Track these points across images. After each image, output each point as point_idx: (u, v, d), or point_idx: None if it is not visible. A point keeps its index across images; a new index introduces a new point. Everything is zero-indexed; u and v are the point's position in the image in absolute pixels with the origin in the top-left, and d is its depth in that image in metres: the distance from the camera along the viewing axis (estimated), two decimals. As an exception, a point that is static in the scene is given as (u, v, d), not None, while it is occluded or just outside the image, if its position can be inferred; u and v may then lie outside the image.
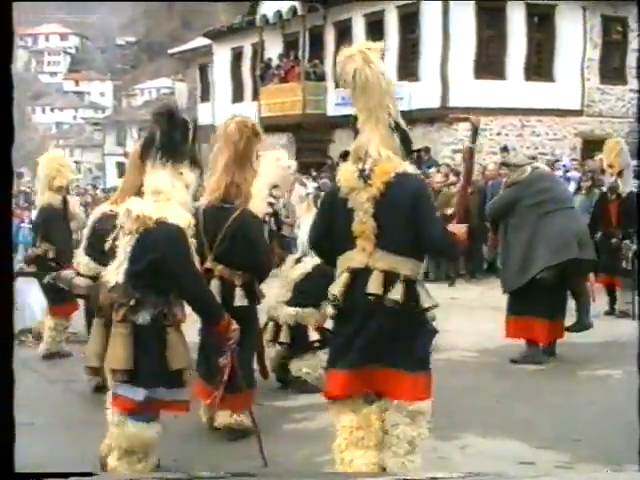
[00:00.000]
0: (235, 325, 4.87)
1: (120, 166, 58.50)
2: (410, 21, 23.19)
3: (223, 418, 5.70)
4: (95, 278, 6.98)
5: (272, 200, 7.32)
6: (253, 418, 5.24)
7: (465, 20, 22.07)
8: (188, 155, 4.80)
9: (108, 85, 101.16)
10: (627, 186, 10.25)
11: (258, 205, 6.15)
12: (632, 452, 5.16)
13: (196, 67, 36.40)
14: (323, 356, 6.79)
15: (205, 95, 34.34)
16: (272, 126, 25.38)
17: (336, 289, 4.35)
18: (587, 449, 5.34)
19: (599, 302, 10.61)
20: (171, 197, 4.70)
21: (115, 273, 4.68)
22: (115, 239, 4.81)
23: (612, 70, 24.45)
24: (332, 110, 25.54)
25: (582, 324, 8.17)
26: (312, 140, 25.49)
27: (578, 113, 23.91)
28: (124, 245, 4.68)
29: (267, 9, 27.09)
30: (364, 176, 4.29)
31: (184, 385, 4.73)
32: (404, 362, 4.28)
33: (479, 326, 9.62)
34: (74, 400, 7.18)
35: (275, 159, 6.91)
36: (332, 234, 4.44)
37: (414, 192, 4.28)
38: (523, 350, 8.05)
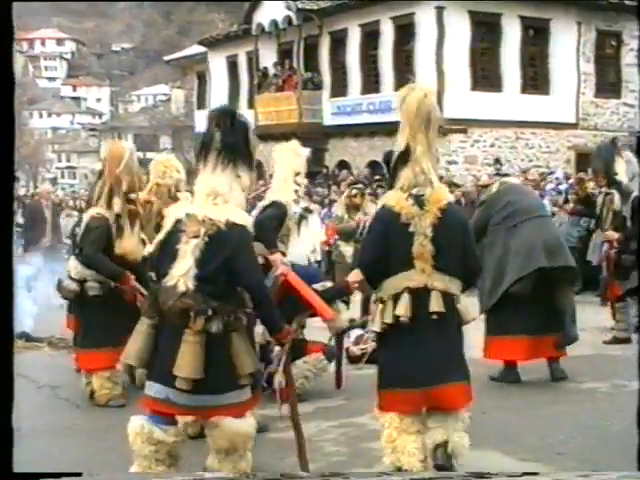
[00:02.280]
0: (291, 334, 4.97)
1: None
2: (405, 32, 23.30)
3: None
4: (81, 282, 7.07)
5: (297, 187, 7.43)
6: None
7: (460, 32, 22.20)
8: (248, 158, 4.82)
9: (105, 91, 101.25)
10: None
11: (287, 193, 6.79)
12: (616, 464, 5.21)
13: (193, 74, 36.50)
14: (303, 365, 6.82)
15: (202, 102, 34.43)
16: (268, 134, 25.44)
17: (401, 309, 4.73)
18: (571, 462, 5.36)
19: (592, 316, 10.66)
20: (228, 200, 4.68)
21: (184, 278, 4.54)
22: (170, 243, 4.68)
23: (607, 84, 24.62)
24: (328, 119, 25.63)
25: (567, 337, 7.89)
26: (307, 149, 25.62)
27: (573, 126, 24.03)
28: (192, 249, 4.56)
29: (263, 18, 27.19)
30: (420, 202, 4.77)
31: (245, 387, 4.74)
32: (459, 374, 4.87)
33: (467, 337, 9.59)
34: (60, 406, 7.19)
35: (292, 148, 7.26)
36: (387, 256, 4.81)
37: (462, 219, 5.02)
38: (501, 369, 7.83)
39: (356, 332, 8.75)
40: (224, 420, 4.60)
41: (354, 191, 11.49)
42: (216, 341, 4.54)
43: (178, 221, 4.70)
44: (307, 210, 7.50)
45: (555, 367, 7.83)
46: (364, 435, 5.95)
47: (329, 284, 6.93)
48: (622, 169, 9.32)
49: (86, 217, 7.13)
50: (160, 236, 4.82)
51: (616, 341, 9.40)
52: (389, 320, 4.79)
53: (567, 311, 7.85)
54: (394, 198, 4.86)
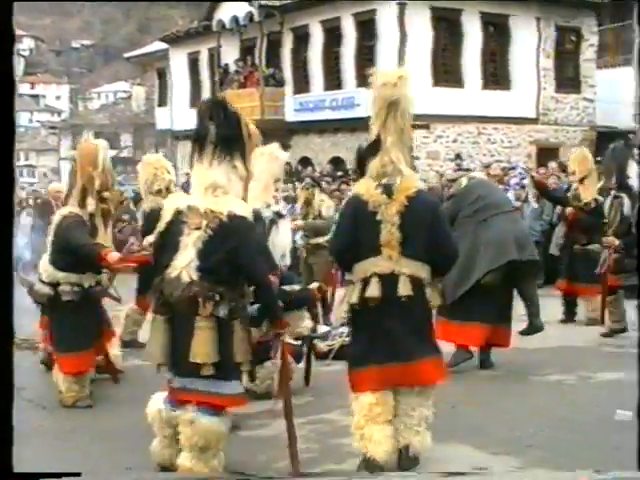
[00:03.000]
0: (288, 325, 5.19)
1: (76, 170, 57.89)
2: (367, 28, 23.31)
3: None
4: (54, 285, 6.88)
5: (275, 193, 7.38)
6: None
7: (421, 28, 22.27)
8: (244, 149, 4.91)
9: (64, 88, 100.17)
10: (589, 193, 10.31)
11: (267, 200, 6.59)
12: (585, 455, 5.26)
13: (154, 71, 36.25)
14: (271, 367, 6.79)
15: (163, 99, 34.24)
16: (229, 131, 25.39)
17: (370, 290, 4.84)
18: (541, 454, 5.39)
19: (555, 308, 10.75)
20: (228, 191, 4.81)
21: (186, 269, 4.66)
22: (172, 235, 4.76)
23: (566, 79, 24.82)
24: (291, 116, 25.58)
25: (534, 326, 8.14)
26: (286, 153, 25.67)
27: (534, 121, 24.23)
28: (194, 241, 4.68)
29: (224, 14, 27.06)
30: (388, 191, 4.86)
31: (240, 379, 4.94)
32: (426, 350, 4.96)
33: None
34: (26, 407, 7.09)
35: (271, 153, 6.93)
36: (357, 243, 4.92)
37: (433, 206, 5.03)
38: (454, 353, 7.88)
39: (323, 328, 8.75)
40: (200, 418, 4.67)
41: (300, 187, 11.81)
42: (223, 328, 4.68)
43: (179, 212, 4.78)
44: (278, 215, 7.45)
45: (486, 357, 8.08)
46: (334, 431, 5.94)
47: (297, 287, 6.98)
48: (634, 173, 9.36)
49: (57, 216, 6.98)
50: (160, 226, 4.87)
51: (613, 332, 9.45)
52: (355, 300, 4.91)
53: (533, 302, 8.04)
54: (363, 187, 4.97)
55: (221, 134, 4.78)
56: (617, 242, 8.95)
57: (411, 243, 4.85)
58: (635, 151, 10.09)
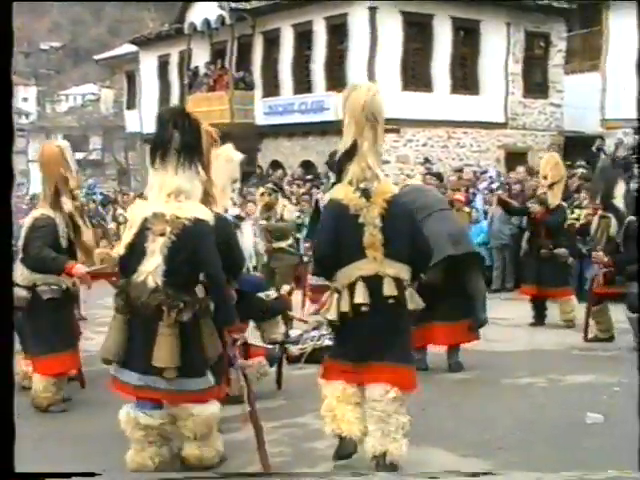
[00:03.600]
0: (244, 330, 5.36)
1: (44, 173, 57.35)
2: (338, 32, 23.34)
3: None
4: (31, 288, 6.80)
5: (232, 195, 7.35)
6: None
7: (392, 32, 22.30)
8: (202, 155, 5.15)
9: (32, 90, 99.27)
10: (556, 199, 10.46)
11: (225, 202, 6.55)
12: (555, 458, 5.31)
13: (123, 74, 36.06)
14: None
15: (132, 102, 34.06)
16: (200, 134, 25.27)
17: (359, 296, 4.95)
18: (511, 457, 5.43)
19: (524, 312, 10.85)
20: (191, 197, 5.01)
21: (152, 275, 4.88)
22: (139, 241, 4.93)
23: (534, 84, 25.01)
24: (260, 119, 25.56)
25: (478, 320, 8.16)
26: (240, 149, 25.26)
27: (502, 126, 24.39)
28: (160, 247, 4.88)
29: (195, 17, 26.97)
30: (367, 195, 4.99)
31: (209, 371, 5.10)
32: (405, 356, 5.08)
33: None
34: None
35: (226, 155, 6.87)
36: (339, 247, 5.02)
37: (409, 210, 5.30)
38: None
39: (295, 332, 8.78)
40: (197, 407, 4.98)
41: (262, 190, 11.80)
42: (188, 329, 4.91)
43: (145, 220, 4.95)
44: (239, 218, 7.47)
45: (453, 357, 8.19)
46: (307, 435, 5.95)
47: (273, 294, 7.02)
48: (620, 193, 9.37)
49: (28, 219, 6.90)
50: (128, 235, 5.03)
51: (597, 339, 9.46)
52: (346, 309, 5.00)
53: (477, 296, 8.14)
54: (342, 192, 5.08)
55: (185, 142, 4.96)
56: (606, 258, 8.94)
57: (393, 245, 5.00)
58: (622, 171, 10.13)
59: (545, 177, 10.65)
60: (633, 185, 12.63)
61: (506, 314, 10.97)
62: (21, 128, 72.20)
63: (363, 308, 4.96)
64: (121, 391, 5.10)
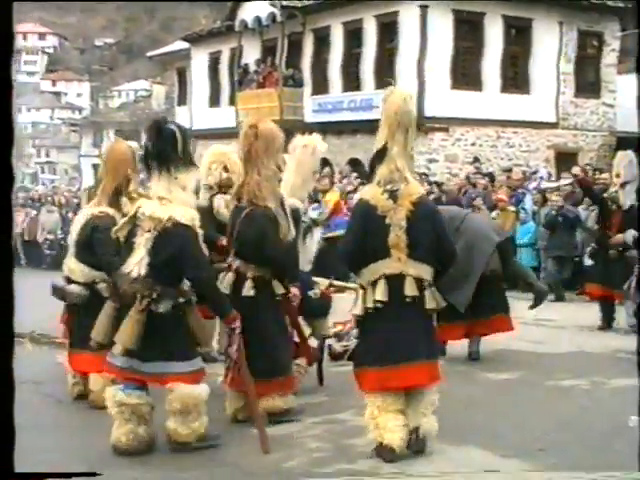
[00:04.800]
0: (238, 318, 5.57)
1: (96, 167, 58.10)
2: (388, 30, 23.30)
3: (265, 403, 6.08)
4: (88, 285, 6.73)
5: (309, 189, 7.45)
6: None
7: (443, 30, 22.22)
8: (181, 160, 5.44)
9: (85, 86, 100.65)
10: (628, 199, 10.02)
11: (303, 195, 6.89)
12: (595, 461, 5.27)
13: (174, 70, 36.37)
14: (295, 367, 6.87)
15: (182, 98, 34.33)
16: (249, 131, 25.37)
17: (379, 293, 5.15)
18: (552, 458, 5.40)
19: (569, 314, 10.73)
20: (172, 200, 5.40)
21: (137, 266, 5.34)
22: (131, 236, 5.43)
23: (587, 84, 24.72)
24: (309, 117, 25.61)
25: (537, 291, 8.72)
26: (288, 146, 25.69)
27: (553, 126, 24.14)
28: (144, 242, 5.36)
29: (246, 15, 27.13)
30: (394, 196, 5.16)
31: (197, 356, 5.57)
32: (430, 352, 5.28)
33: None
34: (43, 402, 7.17)
35: (314, 145, 6.97)
36: (365, 245, 5.22)
37: (434, 211, 5.39)
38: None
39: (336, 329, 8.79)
40: (177, 385, 5.35)
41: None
42: (164, 319, 5.34)
43: (135, 217, 5.47)
44: (315, 223, 7.60)
45: (475, 346, 8.44)
46: (346, 431, 5.96)
47: (318, 292, 7.10)
48: None
49: (85, 216, 6.81)
50: (123, 231, 5.57)
51: None
52: (370, 305, 5.21)
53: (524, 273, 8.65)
54: (370, 193, 5.30)
55: (155, 151, 5.45)
56: None
57: (417, 246, 5.16)
58: None
59: (618, 175, 10.22)
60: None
61: (552, 315, 10.87)
62: (74, 123, 73.29)
63: (379, 304, 5.14)
64: (110, 373, 5.62)
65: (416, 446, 5.26)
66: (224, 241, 6.66)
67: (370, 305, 5.21)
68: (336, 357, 8.24)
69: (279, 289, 6.14)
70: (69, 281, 6.87)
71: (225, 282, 6.07)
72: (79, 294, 6.75)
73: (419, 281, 5.18)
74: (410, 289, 5.15)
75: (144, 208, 5.44)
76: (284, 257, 6.10)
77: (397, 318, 5.17)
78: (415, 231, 5.15)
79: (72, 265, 6.83)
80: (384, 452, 5.18)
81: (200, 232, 5.49)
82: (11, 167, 3.95)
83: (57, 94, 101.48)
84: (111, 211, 6.70)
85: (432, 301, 5.25)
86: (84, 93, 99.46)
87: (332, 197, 13.58)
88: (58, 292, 6.97)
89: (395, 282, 5.16)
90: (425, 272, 5.21)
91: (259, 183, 6.04)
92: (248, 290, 6.04)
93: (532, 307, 8.53)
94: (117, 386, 5.51)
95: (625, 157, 10.36)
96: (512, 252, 8.50)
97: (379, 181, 5.25)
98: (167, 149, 5.41)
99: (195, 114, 31.52)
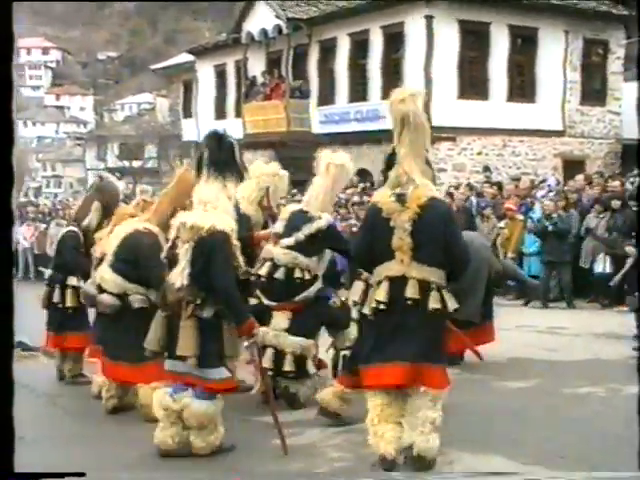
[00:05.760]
0: (257, 326, 5.71)
1: (101, 181, 58.14)
2: (394, 41, 23.35)
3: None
4: (120, 296, 6.76)
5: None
6: None
7: (449, 40, 22.26)
8: (234, 171, 5.74)
9: (89, 100, 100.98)
10: None
11: (329, 209, 7.23)
12: (617, 467, 5.27)
13: (179, 83, 36.49)
14: (316, 378, 6.93)
15: (188, 111, 34.42)
16: (255, 143, 25.45)
17: (380, 294, 5.16)
18: (573, 465, 5.40)
19: (582, 322, 10.72)
20: (216, 206, 5.62)
21: (180, 276, 5.55)
22: (173, 248, 5.69)
23: (592, 91, 24.75)
24: (316, 128, 25.66)
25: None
26: (296, 157, 25.58)
27: (560, 134, 24.16)
28: (184, 252, 5.58)
29: (252, 27, 27.22)
30: (401, 200, 5.15)
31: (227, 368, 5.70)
32: (432, 356, 5.14)
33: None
34: (59, 415, 7.19)
35: (346, 164, 7.16)
36: (373, 247, 5.27)
37: (444, 214, 5.23)
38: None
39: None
40: (194, 402, 5.56)
41: None
42: (207, 325, 5.54)
43: (177, 229, 5.71)
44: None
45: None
46: (366, 440, 5.94)
47: (338, 300, 7.17)
48: None
49: (129, 229, 6.84)
50: (167, 244, 5.88)
51: None
52: (373, 304, 5.23)
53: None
54: (379, 196, 5.36)
55: (212, 158, 5.70)
56: None
57: (422, 249, 5.12)
58: None
59: None
60: None
61: (565, 323, 10.88)
62: (79, 137, 73.49)
63: (382, 306, 5.15)
64: (164, 378, 5.88)
65: (412, 463, 5.11)
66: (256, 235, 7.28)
67: (374, 304, 5.21)
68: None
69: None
70: (100, 290, 6.92)
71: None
72: (112, 304, 6.79)
73: (425, 283, 5.12)
74: (411, 291, 5.10)
75: (185, 219, 5.66)
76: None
77: (397, 319, 5.14)
78: (421, 234, 5.09)
79: (106, 275, 6.86)
80: (382, 461, 5.14)
81: (237, 243, 5.66)
82: (11, 167, 3.95)
83: (61, 108, 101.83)
84: (156, 229, 6.75)
85: (436, 302, 5.11)
86: (88, 107, 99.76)
87: None
88: (89, 299, 7.17)
89: (398, 284, 5.14)
90: (432, 274, 5.14)
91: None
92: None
93: (527, 303, 8.61)
94: (165, 389, 5.75)
95: None
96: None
97: (389, 184, 5.28)
98: (224, 157, 5.71)
99: (202, 126, 31.58)
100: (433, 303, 5.10)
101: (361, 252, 5.50)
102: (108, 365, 6.94)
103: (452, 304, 5.21)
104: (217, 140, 5.75)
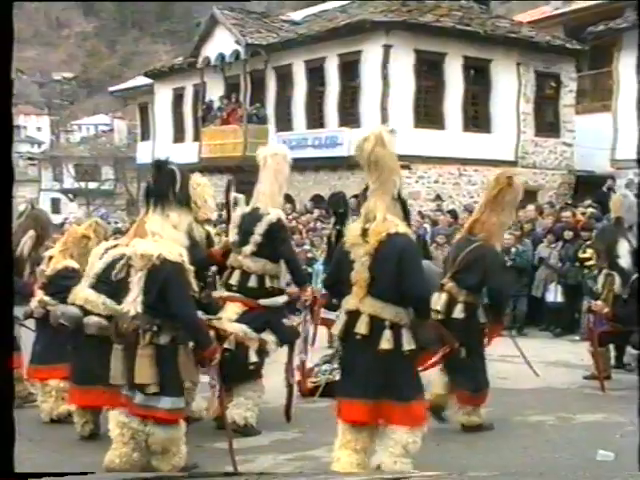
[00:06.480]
0: (218, 352, 5.80)
1: (55, 202, 57.66)
2: (351, 69, 23.53)
3: None
4: (108, 317, 6.59)
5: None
6: None
7: (405, 70, 22.48)
8: (176, 199, 5.69)
9: (45, 120, 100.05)
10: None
11: (280, 202, 7.34)
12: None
13: (135, 105, 36.35)
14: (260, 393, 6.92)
15: (145, 134, 34.29)
16: (212, 167, 25.41)
17: (336, 328, 5.31)
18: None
19: (533, 351, 10.79)
20: (163, 236, 5.63)
21: (133, 304, 5.57)
22: (126, 276, 5.74)
23: (546, 124, 25.14)
24: (273, 153, 25.64)
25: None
26: (253, 182, 25.65)
27: (513, 164, 24.41)
28: (137, 280, 5.59)
29: (210, 51, 27.28)
30: (365, 234, 5.24)
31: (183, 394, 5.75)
32: (394, 393, 5.18)
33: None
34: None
35: (279, 152, 7.48)
36: (340, 280, 5.39)
37: (401, 249, 5.19)
38: None
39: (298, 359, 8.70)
40: (156, 428, 5.58)
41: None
42: (165, 352, 5.53)
43: (129, 258, 5.77)
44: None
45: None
46: (319, 468, 5.98)
47: (290, 322, 7.25)
48: (625, 251, 9.28)
49: (115, 251, 6.75)
50: (122, 273, 5.96)
51: (594, 377, 9.29)
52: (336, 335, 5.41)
53: None
54: (350, 229, 5.49)
55: (152, 188, 5.78)
56: (606, 309, 9.04)
57: (377, 283, 5.18)
58: (626, 229, 9.77)
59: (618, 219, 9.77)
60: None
61: (516, 351, 10.95)
62: (32, 157, 72.65)
63: (337, 340, 5.39)
64: (122, 406, 5.79)
65: None
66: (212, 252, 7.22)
67: (336, 335, 5.44)
68: (307, 393, 8.25)
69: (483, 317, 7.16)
70: (85, 312, 6.80)
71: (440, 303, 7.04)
72: (102, 326, 6.64)
73: (377, 319, 5.14)
74: (360, 327, 5.17)
75: (137, 247, 5.67)
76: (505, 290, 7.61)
77: (353, 354, 5.28)
78: (378, 269, 5.17)
79: (89, 296, 6.78)
80: None
81: (190, 268, 5.67)
82: (11, 167, 3.98)
83: (16, 128, 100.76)
84: None
85: (386, 341, 5.11)
86: (44, 127, 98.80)
87: None
88: (72, 320, 6.84)
89: (353, 318, 5.22)
90: (385, 310, 5.16)
91: (494, 225, 7.14)
92: (459, 313, 7.05)
93: None
94: (122, 410, 5.74)
95: (624, 200, 10.07)
96: None
97: (360, 219, 5.43)
98: (164, 187, 5.69)
99: (158, 149, 31.45)
100: (384, 343, 5.11)
101: (329, 284, 5.80)
102: (80, 390, 6.87)
103: (408, 344, 5.16)
104: (156, 169, 5.78)
